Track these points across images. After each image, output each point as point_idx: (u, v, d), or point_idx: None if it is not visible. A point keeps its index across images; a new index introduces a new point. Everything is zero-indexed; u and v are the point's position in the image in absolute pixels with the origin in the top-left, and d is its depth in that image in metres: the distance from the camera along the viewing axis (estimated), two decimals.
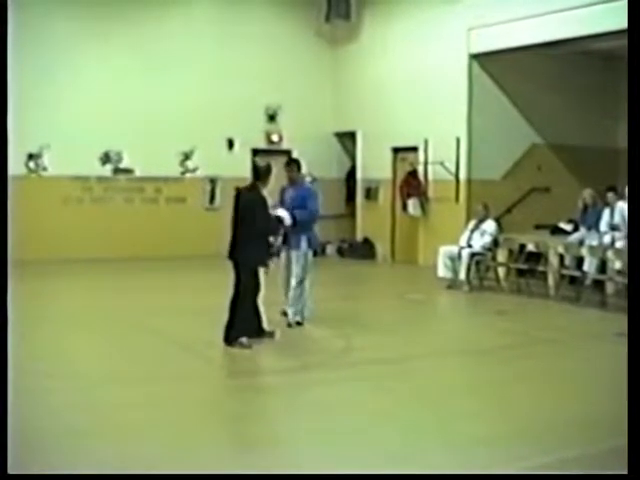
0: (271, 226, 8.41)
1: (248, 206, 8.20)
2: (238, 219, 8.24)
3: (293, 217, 8.85)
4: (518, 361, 8.01)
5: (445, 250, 12.57)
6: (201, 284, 12.63)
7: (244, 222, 8.16)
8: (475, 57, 14.67)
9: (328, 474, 4.71)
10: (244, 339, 8.07)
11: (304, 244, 9.07)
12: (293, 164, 9.30)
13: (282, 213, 8.79)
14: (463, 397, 6.69)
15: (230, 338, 8.10)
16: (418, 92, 15.51)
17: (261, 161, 8.82)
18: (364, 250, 16.93)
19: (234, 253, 8.21)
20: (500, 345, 8.76)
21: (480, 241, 12.54)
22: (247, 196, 8.30)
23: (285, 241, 9.02)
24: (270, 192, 8.55)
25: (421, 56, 15.53)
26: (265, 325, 8.43)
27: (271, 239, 8.47)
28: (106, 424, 5.70)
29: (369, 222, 17.15)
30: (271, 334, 8.43)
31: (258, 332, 8.33)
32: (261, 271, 8.27)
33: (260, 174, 8.38)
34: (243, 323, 8.13)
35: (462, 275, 12.27)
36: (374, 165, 16.81)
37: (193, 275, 13.85)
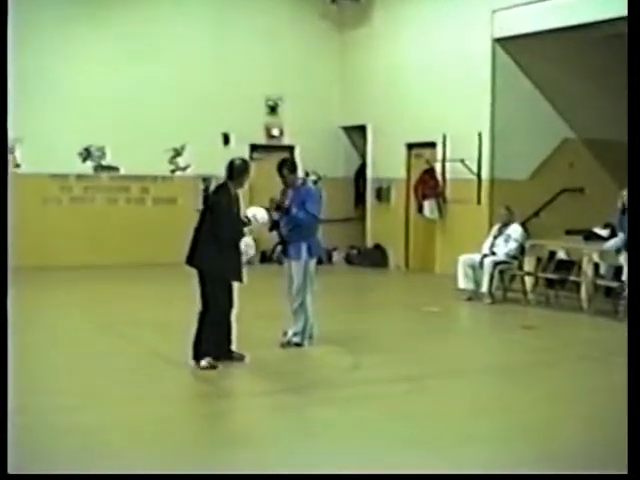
0: (231, 234, 8.03)
1: (210, 208, 8.09)
2: (200, 222, 8.09)
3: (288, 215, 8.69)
4: (546, 381, 8.04)
5: (465, 259, 12.53)
6: (193, 293, 12.54)
7: (205, 226, 8.00)
8: (500, 42, 14.60)
9: (328, 474, 5.04)
10: (208, 359, 7.92)
11: (304, 253, 8.77)
12: (286, 166, 8.91)
13: (254, 212, 8.36)
14: (483, 419, 6.71)
15: (198, 357, 7.98)
16: (435, 81, 15.45)
17: (238, 158, 8.54)
18: (375, 257, 16.88)
19: (193, 259, 8.04)
20: (526, 363, 8.84)
21: (504, 248, 12.46)
22: (212, 198, 8.27)
23: (284, 250, 8.87)
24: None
25: (439, 41, 15.43)
26: (234, 347, 8.23)
27: (242, 246, 8.22)
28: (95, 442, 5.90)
29: (380, 226, 17.13)
30: (240, 357, 8.20)
31: (226, 354, 8.14)
32: (235, 285, 8.15)
33: (233, 172, 8.14)
34: (207, 343, 7.97)
35: (484, 286, 12.21)
36: (386, 163, 16.76)
37: (183, 283, 13.68)
